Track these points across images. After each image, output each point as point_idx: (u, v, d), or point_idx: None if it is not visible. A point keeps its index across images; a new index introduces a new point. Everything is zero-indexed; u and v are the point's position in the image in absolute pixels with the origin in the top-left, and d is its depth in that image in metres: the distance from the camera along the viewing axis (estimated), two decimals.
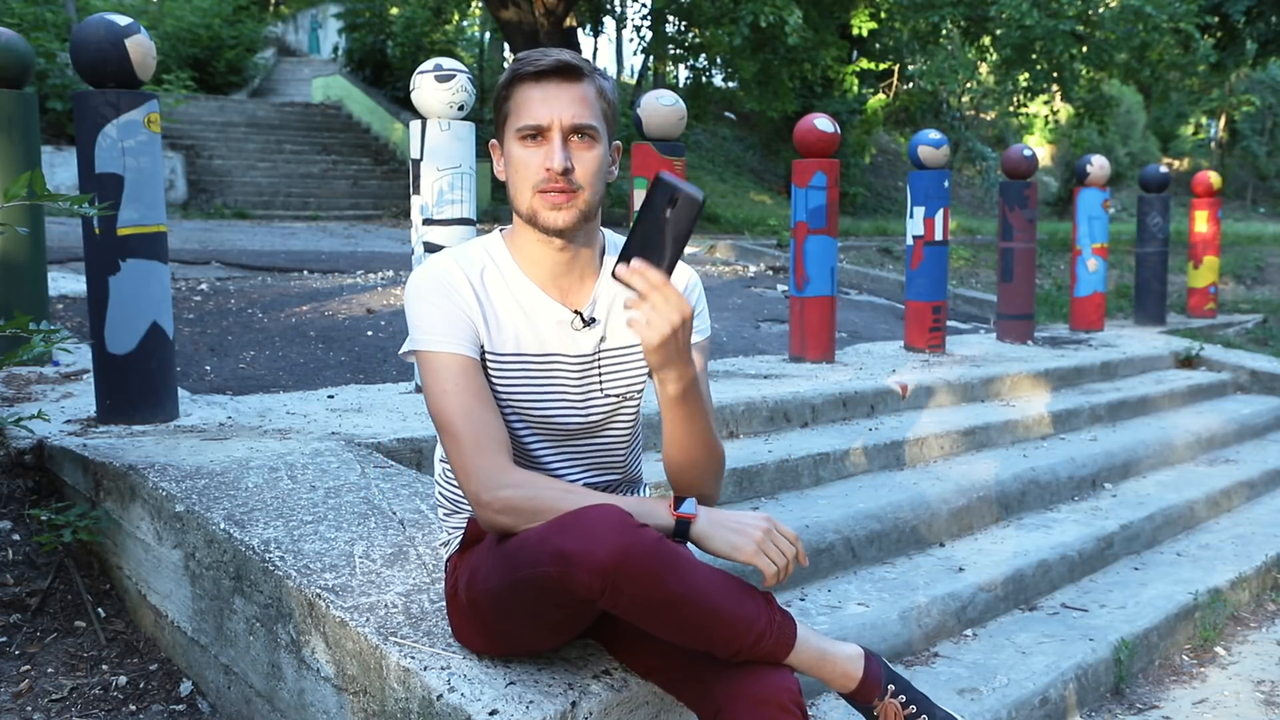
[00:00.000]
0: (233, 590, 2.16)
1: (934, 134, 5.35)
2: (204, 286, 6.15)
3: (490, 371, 1.72)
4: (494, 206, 13.85)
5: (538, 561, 1.54)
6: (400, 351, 1.78)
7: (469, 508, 1.82)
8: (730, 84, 17.64)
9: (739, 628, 1.57)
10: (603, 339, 1.77)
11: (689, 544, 1.62)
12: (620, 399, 1.80)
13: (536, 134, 1.64)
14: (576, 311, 1.74)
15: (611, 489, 1.84)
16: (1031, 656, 2.74)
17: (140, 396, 3.07)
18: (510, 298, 1.73)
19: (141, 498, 2.48)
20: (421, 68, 3.51)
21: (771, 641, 1.60)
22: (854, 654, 1.72)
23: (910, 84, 19.85)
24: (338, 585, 1.96)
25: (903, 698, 1.71)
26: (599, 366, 1.77)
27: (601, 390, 1.78)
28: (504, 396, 1.73)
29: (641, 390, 1.85)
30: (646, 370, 1.80)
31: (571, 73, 1.65)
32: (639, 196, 4.26)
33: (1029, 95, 14.85)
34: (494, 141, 1.74)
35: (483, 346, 1.71)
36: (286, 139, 15.70)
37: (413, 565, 2.08)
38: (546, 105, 1.63)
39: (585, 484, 1.81)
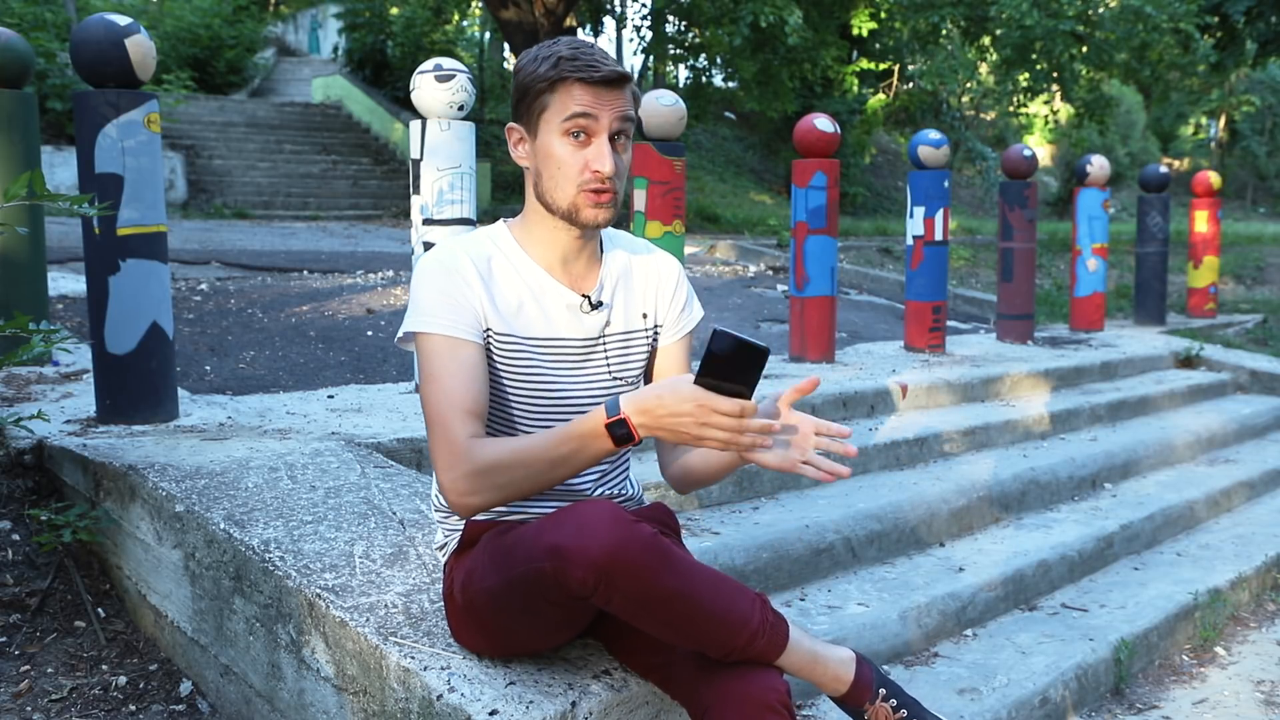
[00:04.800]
0: (233, 590, 2.16)
1: (934, 134, 5.35)
2: (204, 286, 6.15)
3: (498, 353, 1.73)
4: (494, 206, 13.85)
5: (532, 557, 1.55)
6: (397, 337, 1.79)
7: None
8: (730, 84, 17.65)
9: (732, 627, 1.57)
10: (608, 323, 1.80)
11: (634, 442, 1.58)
12: (624, 384, 1.82)
13: (582, 131, 1.67)
14: (585, 295, 1.77)
15: (605, 478, 1.84)
16: (1031, 656, 2.74)
17: (140, 396, 3.07)
18: (520, 282, 1.75)
19: (141, 498, 2.48)
20: (421, 68, 3.51)
21: (764, 643, 1.60)
22: (845, 657, 1.72)
23: (910, 84, 19.87)
24: (338, 585, 1.96)
25: (894, 702, 1.71)
26: (605, 350, 1.80)
27: (610, 374, 1.80)
28: (511, 378, 1.74)
29: (642, 378, 1.87)
30: (647, 357, 1.86)
31: (622, 81, 1.68)
32: (639, 197, 4.26)
33: (1029, 95, 14.86)
34: (513, 126, 1.75)
35: (489, 330, 1.72)
36: (286, 139, 15.70)
37: (413, 565, 2.08)
38: (598, 108, 1.66)
39: (588, 483, 1.81)
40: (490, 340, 1.73)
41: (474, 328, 1.70)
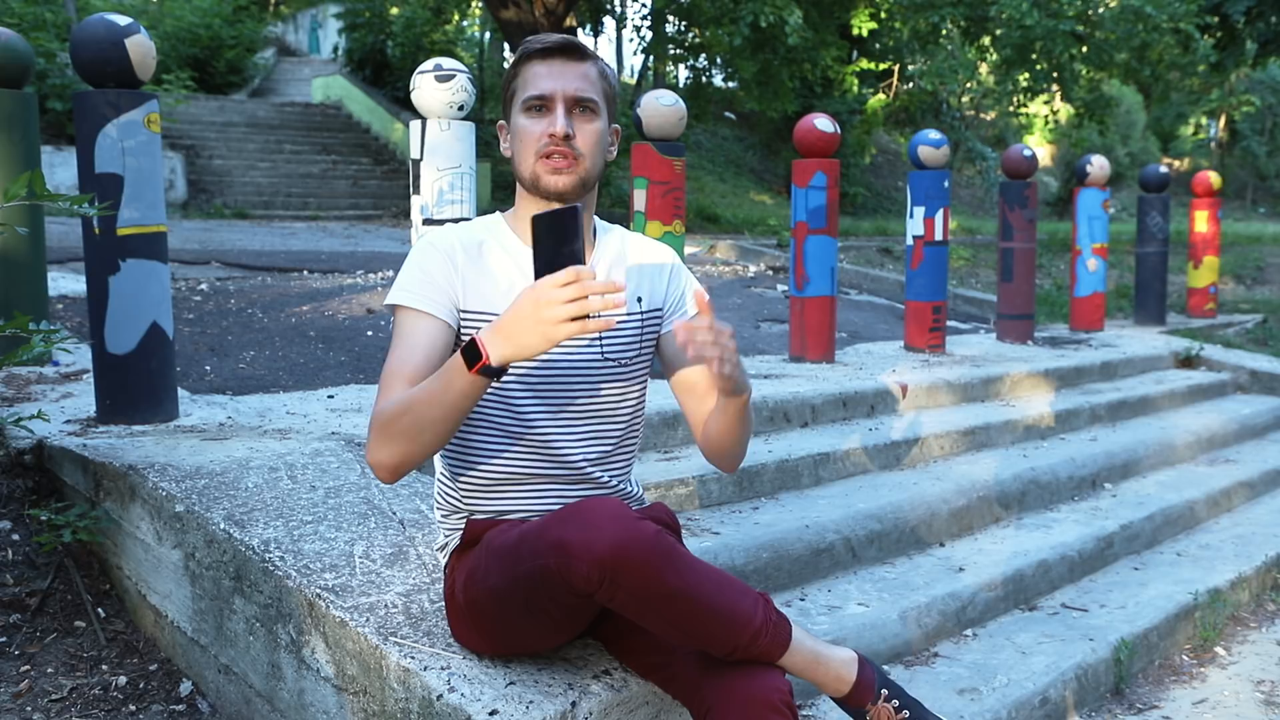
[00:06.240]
0: (233, 590, 2.16)
1: (934, 134, 5.35)
2: (204, 286, 6.15)
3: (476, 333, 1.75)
4: (493, 206, 13.85)
5: (537, 554, 1.55)
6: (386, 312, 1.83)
7: (467, 508, 1.82)
8: (730, 84, 17.64)
9: (735, 626, 1.57)
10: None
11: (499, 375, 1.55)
12: (616, 363, 1.82)
13: (541, 105, 1.73)
14: None
15: (605, 459, 1.84)
16: (1031, 656, 2.74)
17: (140, 396, 3.07)
18: (510, 263, 1.79)
19: (141, 498, 2.48)
20: (421, 68, 3.51)
21: (766, 642, 1.60)
22: (848, 658, 1.72)
23: (910, 84, 19.85)
24: (338, 585, 1.96)
25: (895, 702, 1.72)
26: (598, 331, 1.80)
27: (601, 353, 1.81)
28: None
29: (646, 367, 1.88)
30: (641, 336, 1.86)
31: (576, 51, 1.75)
32: (639, 197, 4.26)
33: (1029, 95, 14.84)
34: (501, 122, 1.82)
35: (465, 310, 1.75)
36: (286, 139, 15.70)
37: (413, 565, 2.08)
38: (551, 79, 1.72)
39: (582, 456, 1.81)
40: (467, 320, 1.75)
41: (444, 306, 1.73)
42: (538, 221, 1.49)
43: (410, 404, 1.59)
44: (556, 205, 1.62)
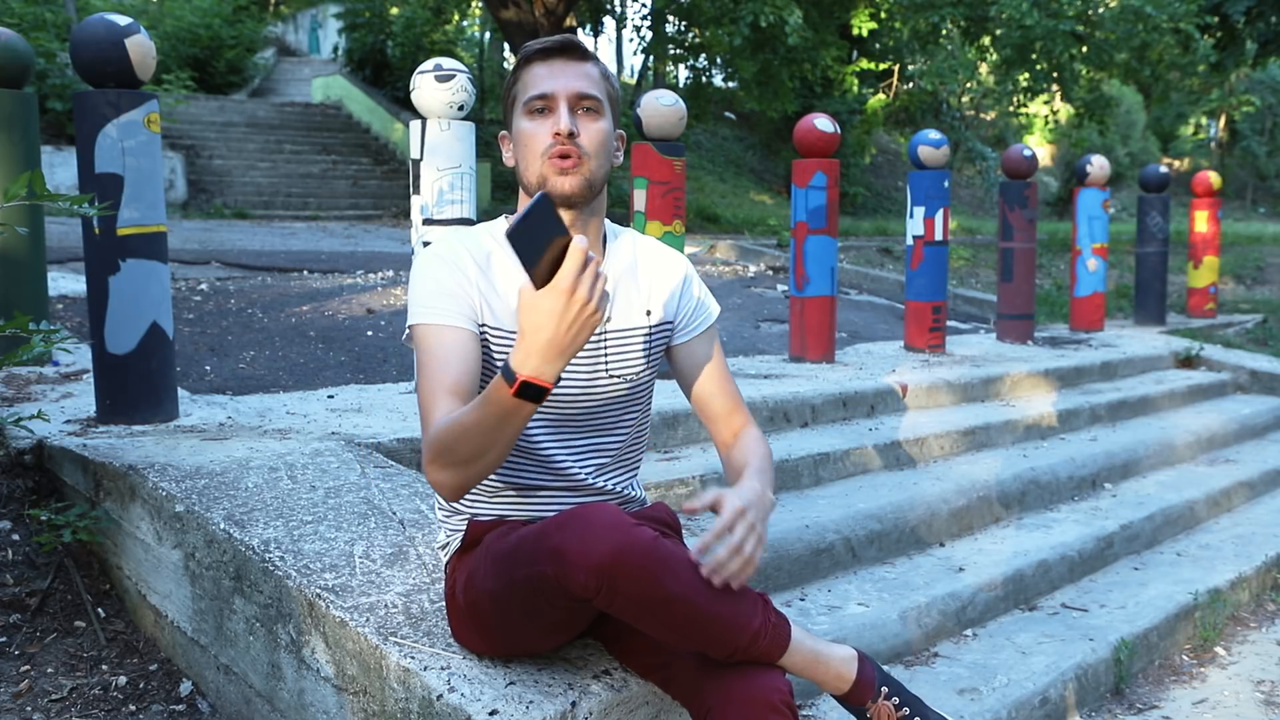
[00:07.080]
0: (233, 590, 2.16)
1: (934, 134, 5.35)
2: (204, 286, 6.15)
3: (495, 348, 1.72)
4: (494, 207, 13.85)
5: (534, 560, 1.55)
6: (403, 335, 1.78)
7: (468, 509, 1.82)
8: (730, 84, 17.65)
9: (734, 629, 1.57)
10: (608, 319, 1.78)
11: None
12: (622, 380, 1.80)
13: (544, 106, 1.70)
14: None
15: (603, 470, 1.83)
16: (1031, 656, 2.74)
17: (140, 396, 3.07)
18: (517, 276, 1.74)
19: (141, 498, 2.48)
20: (421, 68, 3.51)
21: (766, 643, 1.60)
22: (848, 656, 1.72)
23: (910, 84, 19.87)
24: (338, 585, 1.96)
25: (896, 700, 1.71)
26: (605, 345, 1.78)
27: (607, 371, 1.79)
28: None
29: (650, 384, 1.86)
30: (649, 350, 1.83)
31: (576, 50, 1.72)
32: (639, 197, 4.26)
33: (1029, 95, 14.85)
34: (503, 133, 1.79)
35: (484, 324, 1.71)
36: (286, 139, 15.70)
37: (413, 565, 2.08)
38: (553, 79, 1.69)
39: (583, 469, 1.80)
40: (486, 335, 1.72)
41: (468, 317, 1.69)
42: (513, 234, 1.36)
43: (466, 431, 1.51)
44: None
